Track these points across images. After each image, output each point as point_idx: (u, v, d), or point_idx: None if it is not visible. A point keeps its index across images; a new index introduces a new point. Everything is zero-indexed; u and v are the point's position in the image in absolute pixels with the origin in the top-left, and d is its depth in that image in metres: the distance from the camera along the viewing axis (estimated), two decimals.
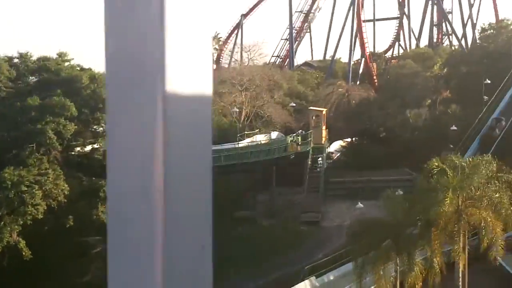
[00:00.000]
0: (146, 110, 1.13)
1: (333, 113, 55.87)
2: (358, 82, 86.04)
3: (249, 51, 77.01)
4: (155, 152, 1.12)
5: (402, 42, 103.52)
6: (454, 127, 46.36)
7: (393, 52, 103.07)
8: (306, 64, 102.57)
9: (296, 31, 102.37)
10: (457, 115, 51.45)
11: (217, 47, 76.25)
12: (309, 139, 47.44)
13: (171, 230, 1.14)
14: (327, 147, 51.35)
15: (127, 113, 1.15)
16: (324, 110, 50.48)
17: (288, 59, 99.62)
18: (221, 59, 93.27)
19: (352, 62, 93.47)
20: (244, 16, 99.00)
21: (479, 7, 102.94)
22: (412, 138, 51.49)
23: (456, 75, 59.87)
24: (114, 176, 1.18)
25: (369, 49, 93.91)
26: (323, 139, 48.70)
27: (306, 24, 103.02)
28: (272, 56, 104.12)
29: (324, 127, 48.99)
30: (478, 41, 69.75)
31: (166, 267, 1.13)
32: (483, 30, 69.84)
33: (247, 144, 45.06)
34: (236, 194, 46.59)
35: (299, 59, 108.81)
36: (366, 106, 54.21)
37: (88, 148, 44.32)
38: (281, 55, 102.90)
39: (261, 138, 48.01)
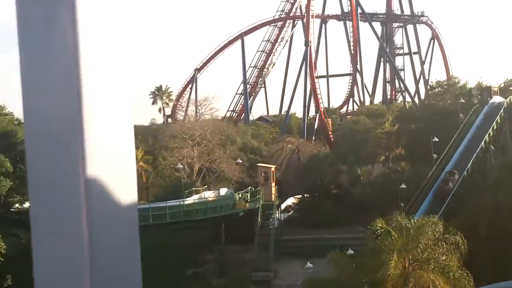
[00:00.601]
0: (68, 194, 1.17)
1: (284, 169, 55.32)
2: (313, 138, 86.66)
3: (199, 105, 76.75)
4: (81, 235, 1.17)
5: (356, 98, 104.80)
6: (403, 185, 46.13)
7: (347, 108, 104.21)
8: (261, 118, 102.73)
9: (251, 86, 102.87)
10: (407, 172, 51.48)
11: (167, 101, 75.46)
12: (258, 196, 46.61)
13: None
14: (277, 204, 50.53)
15: (49, 195, 1.20)
16: (273, 167, 49.91)
17: (243, 114, 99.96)
18: (176, 113, 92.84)
19: (307, 118, 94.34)
20: (198, 70, 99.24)
21: (430, 63, 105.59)
22: (363, 195, 51.15)
23: (407, 132, 60.28)
24: (41, 254, 1.25)
25: (323, 104, 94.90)
26: (273, 196, 47.92)
27: (260, 79, 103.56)
28: (228, 110, 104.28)
29: (273, 184, 48.29)
30: (426, 99, 70.73)
31: None
32: (431, 88, 71.07)
33: (193, 201, 43.89)
34: (185, 252, 45.22)
35: (255, 114, 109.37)
36: (317, 162, 53.89)
37: (27, 204, 42.68)
38: (236, 109, 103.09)
39: (209, 194, 46.91)
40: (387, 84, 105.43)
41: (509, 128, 56.01)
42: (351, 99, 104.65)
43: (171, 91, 76.05)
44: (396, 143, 62.48)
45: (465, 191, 47.00)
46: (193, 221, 41.49)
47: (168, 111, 76.98)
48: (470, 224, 42.12)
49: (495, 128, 54.45)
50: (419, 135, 56.01)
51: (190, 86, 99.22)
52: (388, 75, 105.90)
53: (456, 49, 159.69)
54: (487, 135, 52.56)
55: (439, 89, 66.82)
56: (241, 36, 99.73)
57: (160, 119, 77.11)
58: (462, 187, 48.00)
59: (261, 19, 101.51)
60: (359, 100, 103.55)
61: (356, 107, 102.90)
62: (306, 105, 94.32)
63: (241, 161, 56.12)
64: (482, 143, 51.80)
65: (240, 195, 45.89)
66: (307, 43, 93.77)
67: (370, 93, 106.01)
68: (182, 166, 52.91)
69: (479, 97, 61.28)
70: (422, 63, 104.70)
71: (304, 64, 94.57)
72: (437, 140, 50.56)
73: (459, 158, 51.38)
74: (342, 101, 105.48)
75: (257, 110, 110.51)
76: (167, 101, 75.42)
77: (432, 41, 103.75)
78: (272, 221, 47.21)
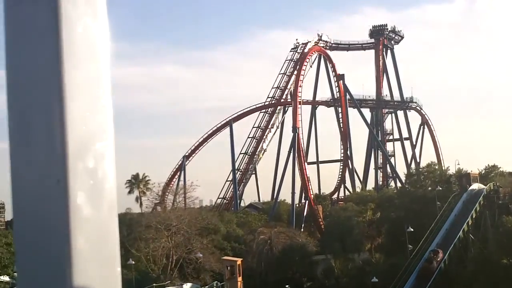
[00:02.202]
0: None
1: (256, 261, 52.99)
2: (302, 225, 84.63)
3: (176, 194, 75.49)
4: None
5: (349, 184, 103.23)
6: (375, 279, 43.90)
7: (338, 194, 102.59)
8: (251, 206, 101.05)
9: (241, 173, 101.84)
10: (382, 264, 49.25)
11: (144, 190, 74.04)
12: None
13: None
14: None
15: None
16: (239, 260, 47.67)
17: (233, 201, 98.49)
18: (165, 201, 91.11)
19: (297, 205, 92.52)
20: (187, 157, 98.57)
21: (421, 148, 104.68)
22: None
23: (387, 220, 58.35)
24: None
25: (312, 191, 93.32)
26: None
27: (251, 165, 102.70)
28: (218, 197, 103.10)
29: (240, 279, 45.94)
30: (406, 186, 69.07)
31: None
32: (410, 175, 69.71)
33: None
34: None
35: (247, 200, 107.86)
36: (290, 254, 51.59)
37: None
38: (227, 196, 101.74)
39: None
40: (378, 170, 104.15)
41: (489, 215, 54.01)
42: (342, 185, 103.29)
43: (148, 180, 74.77)
44: (378, 231, 60.38)
45: (442, 284, 44.80)
46: None
47: (145, 200, 75.27)
48: None
49: (474, 216, 52.46)
50: (399, 223, 54.08)
51: (178, 173, 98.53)
52: (379, 161, 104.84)
53: (445, 134, 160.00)
54: (465, 224, 50.55)
55: (419, 176, 65.42)
56: (229, 123, 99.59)
57: (136, 209, 75.30)
58: (439, 280, 45.70)
59: (250, 105, 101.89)
60: (352, 186, 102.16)
61: (348, 193, 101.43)
62: (295, 191, 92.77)
63: (201, 255, 53.75)
64: (461, 232, 49.74)
65: None
66: (295, 129, 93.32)
67: (362, 179, 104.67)
68: (133, 263, 50.72)
69: (458, 184, 59.60)
70: (413, 147, 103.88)
71: (292, 151, 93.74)
72: (412, 230, 48.67)
73: (444, 235, 49.50)
74: (334, 187, 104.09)
75: (249, 197, 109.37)
76: (144, 190, 73.95)
77: (422, 126, 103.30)
78: None
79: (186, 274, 59.39)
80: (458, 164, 62.15)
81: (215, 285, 45.11)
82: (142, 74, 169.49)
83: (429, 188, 59.76)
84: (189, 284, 45.73)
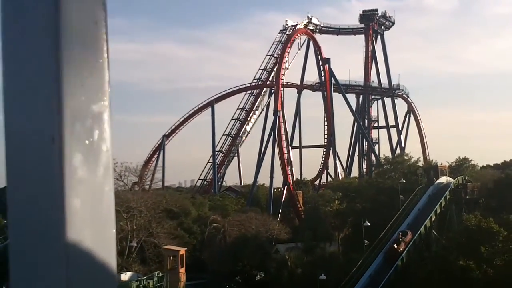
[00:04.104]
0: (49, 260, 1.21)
1: (208, 251, 50.58)
2: (280, 210, 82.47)
3: (153, 174, 73.44)
4: None
5: (332, 170, 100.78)
6: (323, 276, 41.56)
7: (320, 180, 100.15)
8: (230, 189, 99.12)
9: (223, 154, 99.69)
10: (337, 258, 46.94)
11: (115, 169, 71.59)
12: (161, 283, 41.72)
13: None
14: None
15: (30, 260, 1.22)
16: (182, 250, 45.24)
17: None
18: (143, 180, 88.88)
19: (276, 189, 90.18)
20: (166, 137, 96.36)
21: (406, 136, 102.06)
22: (292, 282, 46.47)
23: (353, 211, 55.93)
24: None
25: (292, 176, 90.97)
26: (181, 283, 43.06)
27: (233, 147, 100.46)
28: (199, 179, 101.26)
29: (182, 270, 43.49)
30: (374, 177, 66.51)
31: None
32: (380, 165, 67.08)
33: None
34: None
35: (229, 182, 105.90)
36: (243, 244, 49.14)
37: None
38: (207, 178, 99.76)
39: None
40: (363, 158, 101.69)
41: (456, 211, 51.48)
42: (325, 171, 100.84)
43: (116, 162, 72.18)
44: (344, 223, 58.05)
45: (398, 284, 42.48)
46: None
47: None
48: None
49: (438, 212, 49.94)
50: (364, 216, 51.62)
51: (157, 153, 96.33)
52: (364, 148, 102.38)
53: (431, 123, 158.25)
54: (428, 219, 48.08)
55: (388, 166, 62.85)
56: (211, 103, 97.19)
57: None
58: (395, 279, 43.34)
59: (232, 86, 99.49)
60: (335, 173, 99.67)
61: (330, 179, 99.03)
62: (273, 176, 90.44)
63: (135, 244, 51.31)
64: (422, 228, 47.26)
65: (138, 283, 40.63)
66: (276, 112, 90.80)
67: (346, 166, 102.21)
68: None
69: (425, 176, 56.90)
70: (399, 134, 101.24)
71: (272, 134, 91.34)
72: (369, 224, 46.32)
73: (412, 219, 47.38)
74: (317, 173, 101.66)
75: (232, 179, 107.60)
76: (115, 169, 71.44)
77: (408, 114, 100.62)
78: None
79: (147, 258, 57.37)
80: (427, 155, 59.51)
81: (155, 275, 42.59)
82: (137, 50, 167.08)
83: (399, 180, 57.19)
84: (129, 273, 43.26)
